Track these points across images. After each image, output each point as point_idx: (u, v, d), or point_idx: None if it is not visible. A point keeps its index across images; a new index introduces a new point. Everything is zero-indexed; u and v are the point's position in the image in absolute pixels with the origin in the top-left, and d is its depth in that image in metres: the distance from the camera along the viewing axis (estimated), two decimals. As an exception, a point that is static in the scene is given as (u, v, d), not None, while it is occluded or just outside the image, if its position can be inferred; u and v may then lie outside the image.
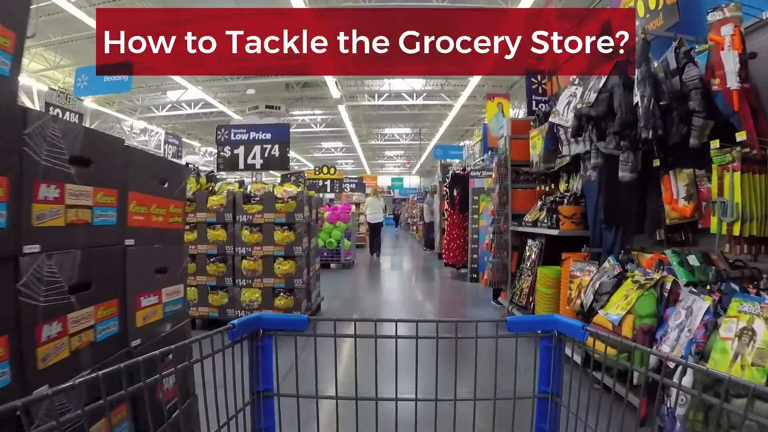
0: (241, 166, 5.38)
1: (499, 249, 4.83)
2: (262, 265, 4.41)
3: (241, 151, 5.32)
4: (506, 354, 1.27)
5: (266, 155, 5.30)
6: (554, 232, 3.64)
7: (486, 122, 8.74)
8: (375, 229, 11.96)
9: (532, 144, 4.58)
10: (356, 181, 15.66)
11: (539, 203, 4.44)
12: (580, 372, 1.45)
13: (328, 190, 12.64)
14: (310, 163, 27.82)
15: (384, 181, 34.28)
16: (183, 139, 21.75)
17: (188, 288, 4.72)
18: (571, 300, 3.35)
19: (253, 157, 5.29)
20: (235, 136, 5.41)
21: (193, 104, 17.87)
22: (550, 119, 3.48)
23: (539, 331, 1.24)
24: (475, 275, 7.66)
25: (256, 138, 5.33)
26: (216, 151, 5.92)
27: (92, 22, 9.40)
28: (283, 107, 16.94)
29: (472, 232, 7.65)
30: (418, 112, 19.38)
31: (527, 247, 4.54)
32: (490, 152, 6.31)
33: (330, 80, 13.59)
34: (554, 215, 3.74)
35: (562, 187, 4.20)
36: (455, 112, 17.20)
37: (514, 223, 4.72)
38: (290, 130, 19.78)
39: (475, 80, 13.50)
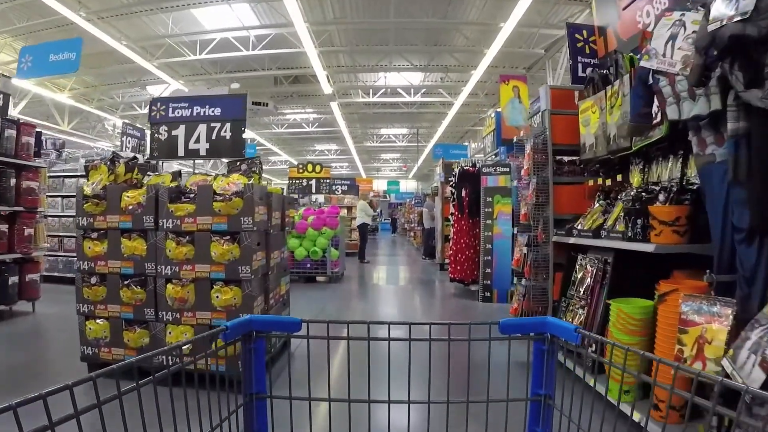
0: (181, 152, 3.92)
1: (535, 268, 3.45)
2: (194, 292, 3.02)
3: (180, 132, 3.85)
4: (499, 356, 1.25)
5: (214, 137, 3.82)
6: (646, 247, 2.25)
7: (500, 109, 7.40)
8: (359, 233, 11.30)
9: (583, 120, 3.23)
10: (348, 182, 14.10)
11: (598, 203, 3.09)
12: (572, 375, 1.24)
13: (314, 190, 11.07)
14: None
15: (380, 185, 33.14)
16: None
17: (97, 321, 3.36)
18: (684, 359, 2.01)
19: (197, 140, 3.86)
20: (173, 112, 3.89)
21: (176, 101, 16.58)
22: (642, 63, 2.13)
23: (532, 334, 1.19)
24: (488, 293, 6.29)
25: (202, 114, 3.88)
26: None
27: (59, 7, 8.30)
28: (271, 104, 15.61)
29: (485, 241, 6.28)
30: (415, 111, 18.04)
31: (577, 266, 3.18)
32: (518, 137, 4.95)
33: (321, 74, 12.24)
34: (639, 220, 2.37)
35: (635, 179, 2.85)
36: (455, 109, 15.84)
37: (559, 231, 3.36)
38: (280, 130, 18.49)
39: (477, 73, 12.09)
